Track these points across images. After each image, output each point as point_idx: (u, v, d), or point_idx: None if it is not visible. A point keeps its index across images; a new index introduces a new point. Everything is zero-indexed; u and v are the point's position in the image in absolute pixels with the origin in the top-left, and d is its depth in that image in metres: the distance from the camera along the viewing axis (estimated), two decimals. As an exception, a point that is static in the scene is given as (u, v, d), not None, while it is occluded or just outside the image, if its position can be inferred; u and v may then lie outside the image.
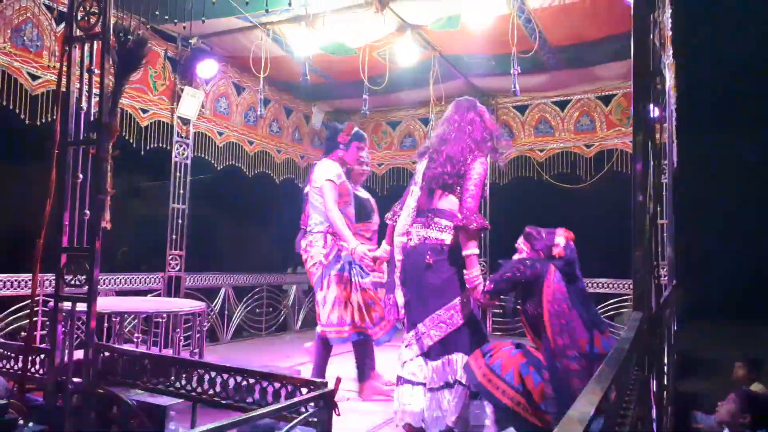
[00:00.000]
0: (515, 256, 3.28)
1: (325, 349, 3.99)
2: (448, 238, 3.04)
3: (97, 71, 2.68)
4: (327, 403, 2.23)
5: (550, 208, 7.25)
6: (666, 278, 5.26)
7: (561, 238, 3.21)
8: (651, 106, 1.90)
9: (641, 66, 1.72)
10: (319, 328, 3.99)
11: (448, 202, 3.07)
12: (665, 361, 3.35)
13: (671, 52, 4.48)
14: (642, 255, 1.64)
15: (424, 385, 3.02)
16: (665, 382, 3.34)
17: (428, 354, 3.02)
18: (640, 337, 1.43)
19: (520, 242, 3.31)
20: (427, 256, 3.01)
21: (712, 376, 7.53)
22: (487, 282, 2.99)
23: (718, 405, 3.84)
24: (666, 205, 5.77)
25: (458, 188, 3.05)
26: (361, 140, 4.26)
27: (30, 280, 3.81)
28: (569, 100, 7.21)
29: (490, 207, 7.47)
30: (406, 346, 3.12)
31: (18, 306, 4.50)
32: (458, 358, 2.96)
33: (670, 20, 4.13)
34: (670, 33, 4.23)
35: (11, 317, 4.48)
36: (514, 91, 4.76)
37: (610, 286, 6.80)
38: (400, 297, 3.17)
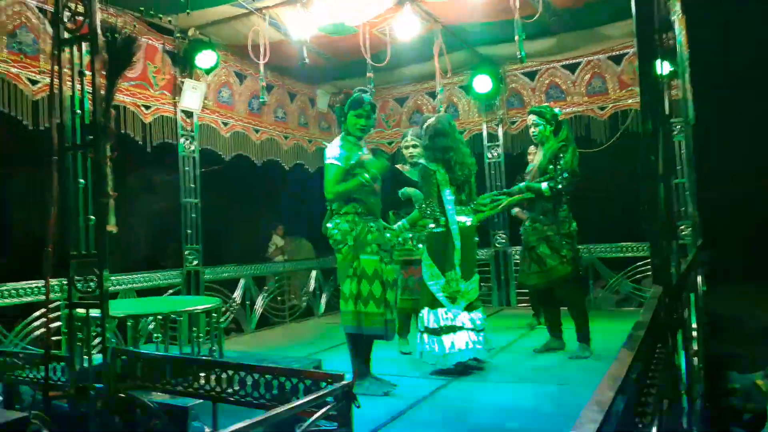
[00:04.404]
0: (534, 130, 4.67)
1: (363, 339, 3.80)
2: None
3: (88, 73, 2.62)
4: (347, 396, 2.19)
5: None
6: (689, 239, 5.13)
7: (558, 109, 4.71)
8: (658, 63, 1.79)
9: (643, 23, 1.61)
10: (352, 318, 3.72)
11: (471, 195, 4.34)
12: (693, 325, 3.26)
13: (678, 6, 4.30)
14: (657, 224, 1.54)
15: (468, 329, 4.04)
16: (694, 347, 3.26)
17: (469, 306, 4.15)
18: (659, 316, 1.35)
19: (535, 119, 4.64)
20: (476, 236, 4.39)
21: (745, 336, 7.40)
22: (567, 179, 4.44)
23: None
24: (683, 164, 5.60)
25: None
26: (356, 106, 3.78)
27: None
28: (579, 63, 7.01)
29: (506, 176, 7.34)
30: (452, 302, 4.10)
31: (41, 312, 4.52)
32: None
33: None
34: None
35: (36, 322, 4.49)
36: (520, 58, 4.61)
37: (635, 249, 6.67)
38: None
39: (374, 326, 3.68)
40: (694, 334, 3.32)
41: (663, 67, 2.41)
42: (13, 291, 4.34)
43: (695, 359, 3.09)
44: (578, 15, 5.73)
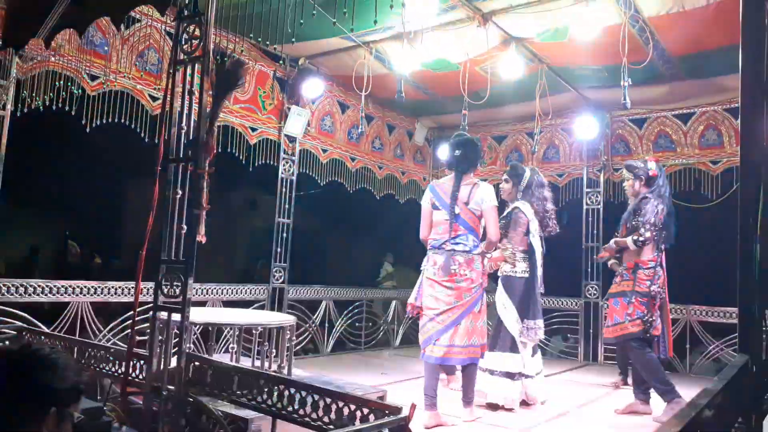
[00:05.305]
0: (625, 185, 4.63)
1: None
2: None
3: (195, 92, 2.81)
4: (401, 429, 2.15)
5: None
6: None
7: (652, 163, 4.52)
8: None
9: (750, 78, 1.49)
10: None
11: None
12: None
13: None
14: (747, 287, 1.40)
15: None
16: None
17: (534, 349, 4.42)
18: (740, 387, 1.22)
19: (625, 173, 4.61)
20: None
21: None
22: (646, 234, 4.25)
23: None
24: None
25: None
26: None
27: (146, 287, 4.06)
28: (693, 113, 6.65)
29: (604, 226, 7.03)
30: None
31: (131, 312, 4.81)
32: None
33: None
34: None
35: (129, 321, 4.79)
36: (624, 104, 4.45)
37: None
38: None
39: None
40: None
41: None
42: (112, 289, 4.67)
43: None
44: (694, 63, 5.44)
